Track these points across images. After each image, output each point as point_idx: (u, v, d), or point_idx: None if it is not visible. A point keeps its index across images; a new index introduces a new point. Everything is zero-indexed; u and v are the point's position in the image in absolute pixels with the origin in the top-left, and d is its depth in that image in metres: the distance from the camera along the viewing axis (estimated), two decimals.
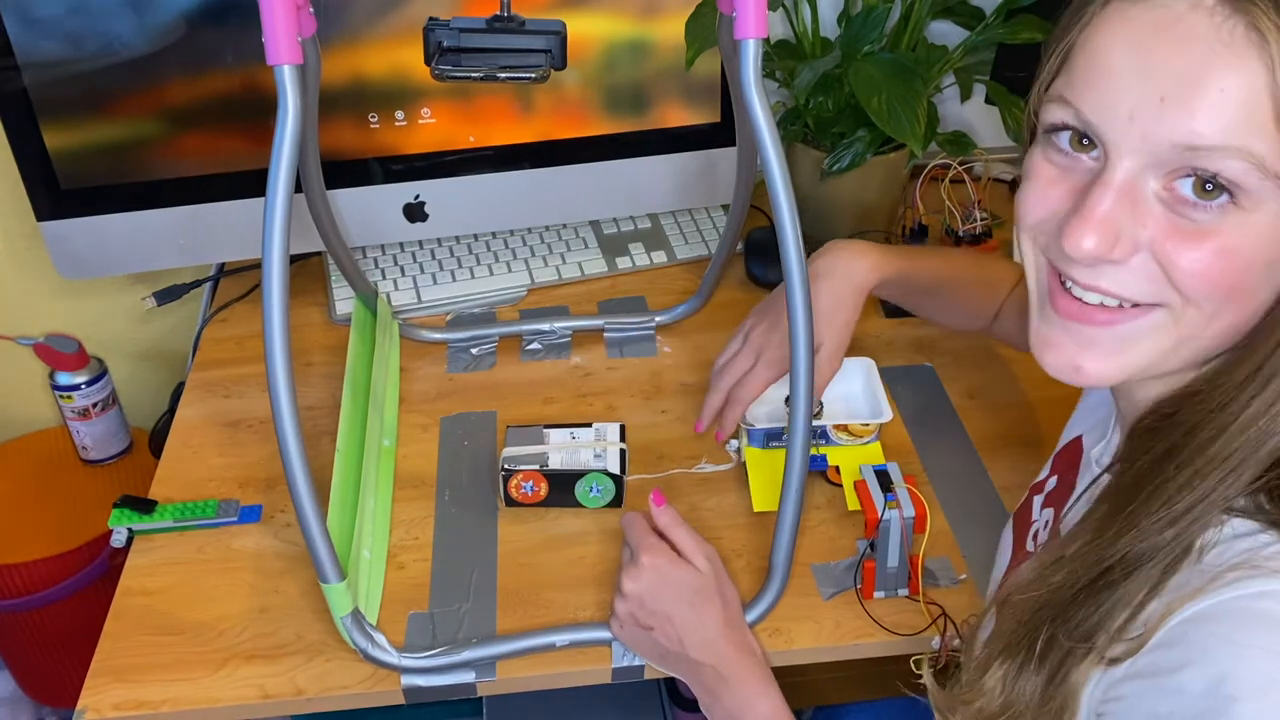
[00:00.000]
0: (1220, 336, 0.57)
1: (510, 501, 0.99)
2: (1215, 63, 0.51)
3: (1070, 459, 0.79)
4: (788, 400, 1.01)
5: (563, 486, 0.98)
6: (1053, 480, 0.80)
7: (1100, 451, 0.74)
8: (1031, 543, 0.78)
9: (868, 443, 1.02)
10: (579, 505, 0.99)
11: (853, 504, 0.96)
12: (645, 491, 0.94)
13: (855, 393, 1.05)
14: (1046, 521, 0.77)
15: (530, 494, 0.99)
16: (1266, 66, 0.50)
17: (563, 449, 1.00)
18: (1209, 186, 0.53)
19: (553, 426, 1.02)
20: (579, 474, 0.98)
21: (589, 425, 1.03)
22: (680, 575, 0.83)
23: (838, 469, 1.00)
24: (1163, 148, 0.53)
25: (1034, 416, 1.08)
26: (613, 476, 0.98)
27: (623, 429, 1.03)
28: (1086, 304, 0.59)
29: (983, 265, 1.04)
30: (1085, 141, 0.57)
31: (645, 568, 0.83)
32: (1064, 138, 0.58)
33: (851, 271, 0.96)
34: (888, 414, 0.99)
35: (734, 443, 1.04)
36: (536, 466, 0.98)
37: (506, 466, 0.98)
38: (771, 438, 1.01)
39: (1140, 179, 0.55)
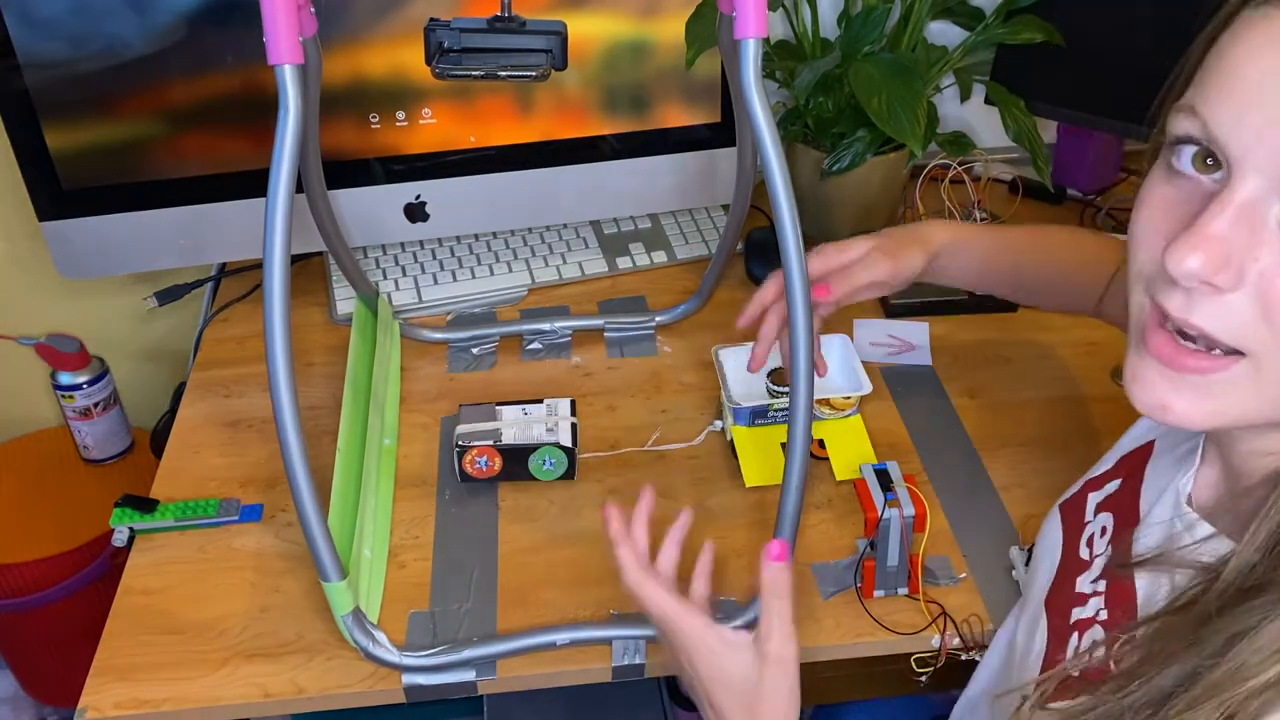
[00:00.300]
0: None
1: (465, 477, 1.01)
2: None
3: (1137, 465, 0.73)
4: (770, 376, 1.03)
5: (516, 460, 1.00)
6: (1115, 483, 0.74)
7: (1187, 482, 0.66)
8: (1086, 549, 0.73)
9: (849, 415, 1.05)
10: (532, 478, 1.01)
11: (840, 475, 1.01)
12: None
13: (833, 368, 1.08)
14: (1104, 529, 0.72)
15: (485, 469, 1.00)
16: None
17: (515, 424, 1.02)
18: None
19: (505, 404, 1.04)
20: (532, 448, 0.99)
21: (540, 401, 1.05)
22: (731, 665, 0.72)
23: (821, 442, 1.03)
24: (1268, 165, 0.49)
25: (1034, 416, 1.08)
26: (564, 449, 1.00)
27: (573, 404, 1.05)
28: (1180, 345, 0.55)
29: (1079, 242, 0.98)
30: (1210, 161, 0.52)
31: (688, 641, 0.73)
32: (1187, 155, 0.53)
33: (916, 231, 0.95)
34: (867, 386, 1.02)
35: (718, 423, 1.07)
36: (490, 442, 0.99)
37: (460, 443, 1.00)
38: (757, 415, 1.03)
39: (1263, 203, 0.50)
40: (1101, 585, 0.69)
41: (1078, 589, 0.71)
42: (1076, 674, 0.63)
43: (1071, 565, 0.74)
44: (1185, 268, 0.51)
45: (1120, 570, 0.67)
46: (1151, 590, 0.63)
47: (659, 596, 0.74)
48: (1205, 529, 0.62)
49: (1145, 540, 0.66)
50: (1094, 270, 0.95)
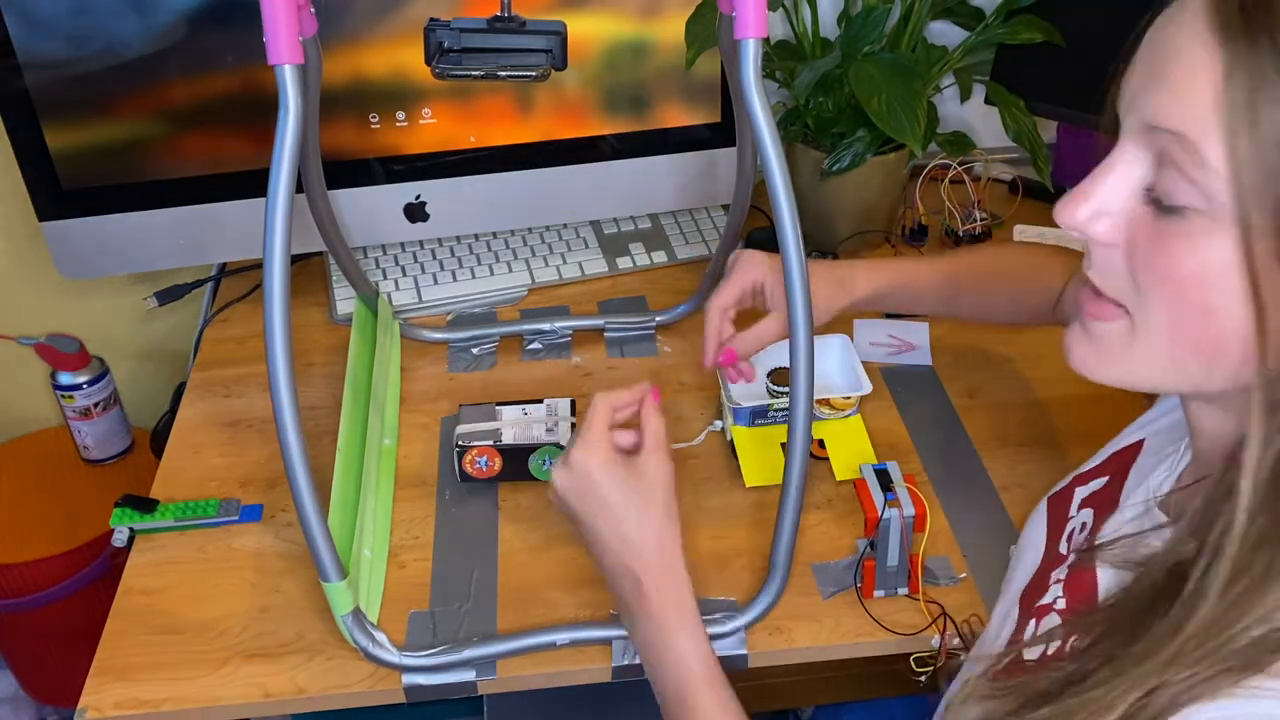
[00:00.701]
0: (1197, 364, 0.55)
1: (465, 477, 1.01)
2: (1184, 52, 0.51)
3: (1125, 462, 0.75)
4: (770, 376, 1.03)
5: (516, 461, 1.00)
6: (1101, 480, 0.76)
7: (1161, 480, 0.68)
8: (1065, 544, 0.74)
9: (849, 415, 1.05)
10: (533, 479, 1.00)
11: (840, 475, 1.01)
12: None
13: (832, 368, 1.08)
14: (1084, 524, 0.74)
15: (485, 469, 1.00)
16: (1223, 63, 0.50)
17: (515, 424, 1.02)
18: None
19: (505, 404, 1.04)
20: (532, 448, 0.99)
21: (540, 401, 1.04)
22: (625, 470, 0.79)
23: (821, 442, 1.03)
24: (1136, 128, 0.54)
25: (1034, 416, 1.08)
26: (564, 449, 0.98)
27: (573, 404, 1.04)
28: (1090, 294, 0.60)
29: (1030, 256, 1.01)
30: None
31: (590, 444, 0.79)
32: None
33: (843, 279, 0.98)
34: (867, 386, 1.02)
35: (718, 422, 1.07)
36: (490, 442, 0.99)
37: (460, 443, 1.00)
38: (757, 415, 1.03)
39: (1136, 164, 0.55)
40: (1063, 574, 0.70)
41: (1049, 581, 0.72)
42: (1034, 658, 0.63)
43: (1051, 560, 0.75)
44: (1063, 218, 0.57)
45: (1080, 558, 0.69)
46: (1114, 581, 0.64)
47: (599, 415, 0.81)
48: (1159, 518, 0.64)
49: (1111, 532, 0.68)
50: (1037, 282, 0.99)
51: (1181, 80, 0.51)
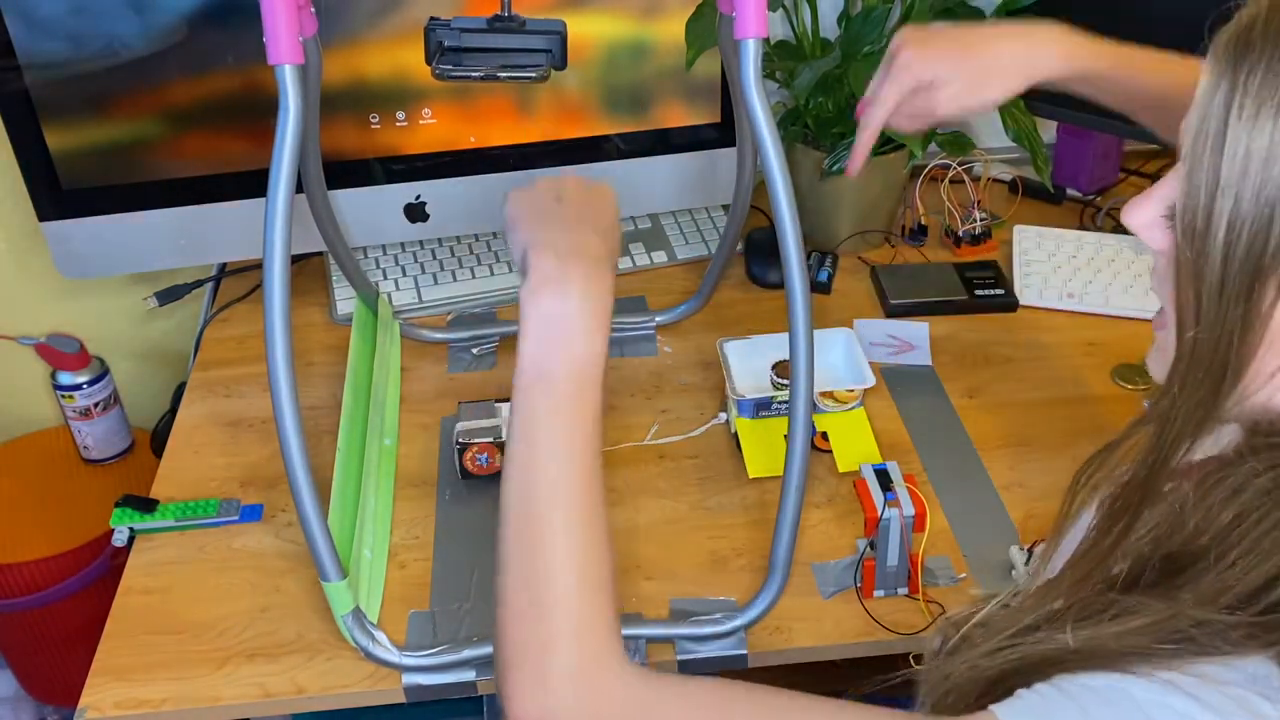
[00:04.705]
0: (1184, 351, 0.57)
1: (465, 474, 1.01)
2: None
3: None
4: (774, 368, 1.03)
5: None
6: None
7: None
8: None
9: (853, 408, 1.06)
10: None
11: (843, 467, 1.01)
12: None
13: (837, 362, 1.09)
14: None
15: (485, 466, 1.00)
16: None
17: None
18: None
19: (505, 400, 1.04)
20: None
21: None
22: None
23: (825, 435, 1.03)
24: None
25: (1034, 416, 1.08)
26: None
27: None
28: None
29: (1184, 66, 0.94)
30: None
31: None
32: None
33: (1036, 50, 0.89)
34: (870, 379, 1.03)
35: (722, 415, 1.08)
36: (490, 439, 0.99)
37: (461, 440, 1.00)
38: (760, 408, 1.03)
39: (1173, 190, 0.57)
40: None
41: None
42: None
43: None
44: (1125, 217, 0.59)
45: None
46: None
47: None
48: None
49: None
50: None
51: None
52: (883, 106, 0.91)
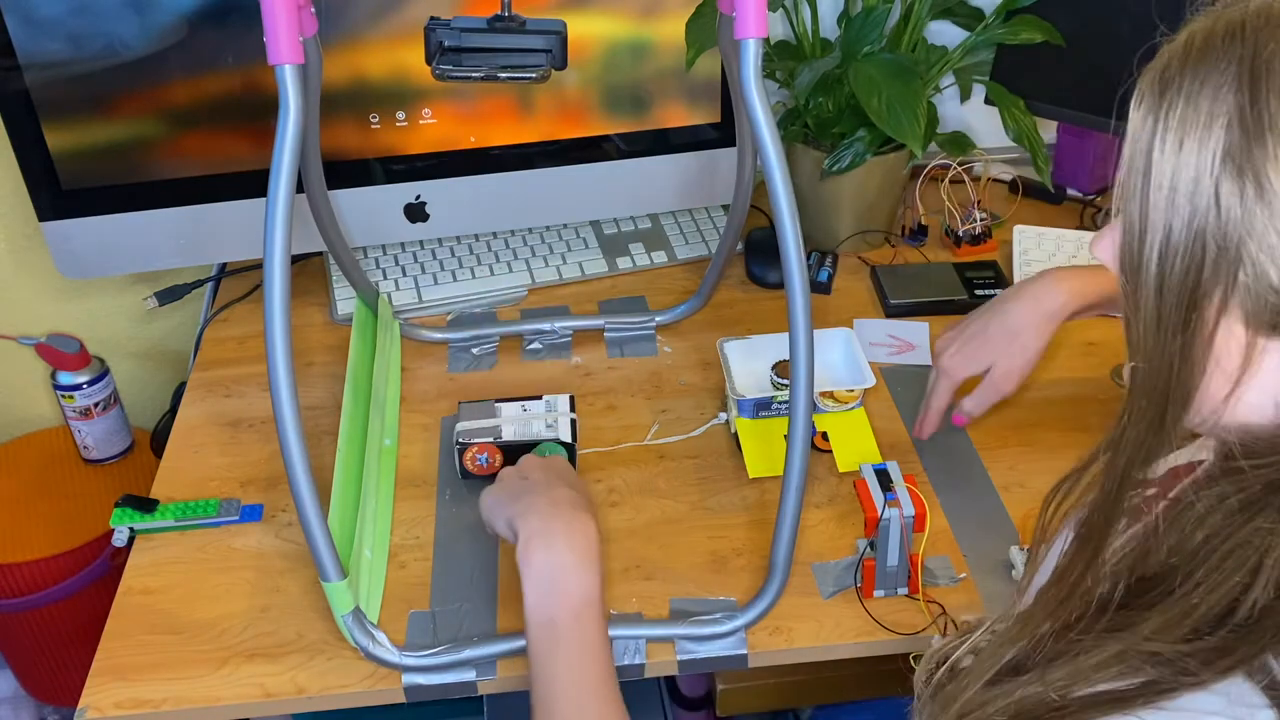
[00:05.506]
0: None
1: (465, 474, 1.01)
2: None
3: (1179, 479, 0.77)
4: (774, 368, 1.03)
5: (516, 457, 0.99)
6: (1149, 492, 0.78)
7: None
8: None
9: (853, 408, 1.06)
10: None
11: (842, 466, 1.02)
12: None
13: (836, 362, 1.09)
14: None
15: (485, 466, 1.00)
16: None
17: (515, 421, 1.02)
18: None
19: (504, 400, 1.04)
20: (532, 444, 1.00)
21: (539, 398, 1.05)
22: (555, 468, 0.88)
23: (825, 435, 1.04)
24: None
25: (1034, 416, 1.08)
26: (565, 445, 1.00)
27: (572, 400, 1.05)
28: None
29: None
30: None
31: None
32: None
33: (1041, 296, 0.97)
34: (870, 379, 1.03)
35: (723, 414, 1.08)
36: (490, 439, 1.00)
37: (461, 440, 1.00)
38: (760, 407, 1.03)
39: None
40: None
41: None
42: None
43: None
44: (1091, 249, 0.61)
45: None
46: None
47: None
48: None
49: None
50: None
51: None
52: (938, 414, 1.02)
